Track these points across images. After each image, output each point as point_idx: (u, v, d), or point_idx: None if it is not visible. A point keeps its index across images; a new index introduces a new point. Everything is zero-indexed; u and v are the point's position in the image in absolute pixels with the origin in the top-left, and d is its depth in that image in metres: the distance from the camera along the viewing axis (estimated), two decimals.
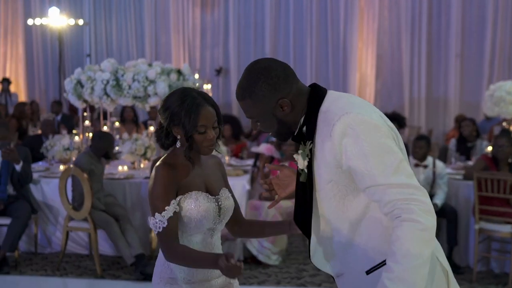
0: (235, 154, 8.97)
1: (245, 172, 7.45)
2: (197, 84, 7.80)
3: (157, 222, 2.58)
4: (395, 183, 1.98)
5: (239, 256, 6.61)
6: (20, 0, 15.14)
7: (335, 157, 2.09)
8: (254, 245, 6.56)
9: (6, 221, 6.53)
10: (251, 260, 6.61)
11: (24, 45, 15.24)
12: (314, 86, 2.27)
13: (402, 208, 1.97)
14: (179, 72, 7.61)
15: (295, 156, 2.30)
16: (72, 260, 6.80)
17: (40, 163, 8.00)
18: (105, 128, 7.82)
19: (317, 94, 2.21)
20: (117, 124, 8.33)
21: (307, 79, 14.06)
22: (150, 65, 7.57)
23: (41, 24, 14.38)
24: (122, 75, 7.34)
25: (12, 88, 14.69)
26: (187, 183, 2.69)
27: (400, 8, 13.61)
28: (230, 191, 2.87)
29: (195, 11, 14.55)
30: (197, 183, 2.72)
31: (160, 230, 2.58)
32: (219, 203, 2.75)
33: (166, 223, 2.57)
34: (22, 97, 14.97)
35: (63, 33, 14.42)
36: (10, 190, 6.65)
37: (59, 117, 11.85)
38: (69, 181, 6.51)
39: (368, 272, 2.12)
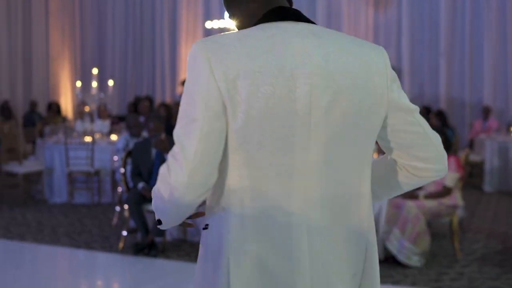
0: None
1: None
2: None
3: None
4: (177, 139, 1.73)
5: (379, 257, 6.42)
6: (200, 4, 15.94)
7: None
8: (394, 245, 6.35)
9: None
10: (391, 259, 6.41)
11: None
12: (270, 11, 1.86)
13: (168, 163, 1.75)
14: None
15: None
16: None
17: None
18: None
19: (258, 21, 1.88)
20: None
21: (484, 79, 13.39)
22: None
23: (219, 27, 15.01)
24: None
25: None
26: None
27: None
28: None
29: (368, 10, 14.41)
30: None
31: None
32: None
33: None
34: None
35: None
36: None
37: None
38: None
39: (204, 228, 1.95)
